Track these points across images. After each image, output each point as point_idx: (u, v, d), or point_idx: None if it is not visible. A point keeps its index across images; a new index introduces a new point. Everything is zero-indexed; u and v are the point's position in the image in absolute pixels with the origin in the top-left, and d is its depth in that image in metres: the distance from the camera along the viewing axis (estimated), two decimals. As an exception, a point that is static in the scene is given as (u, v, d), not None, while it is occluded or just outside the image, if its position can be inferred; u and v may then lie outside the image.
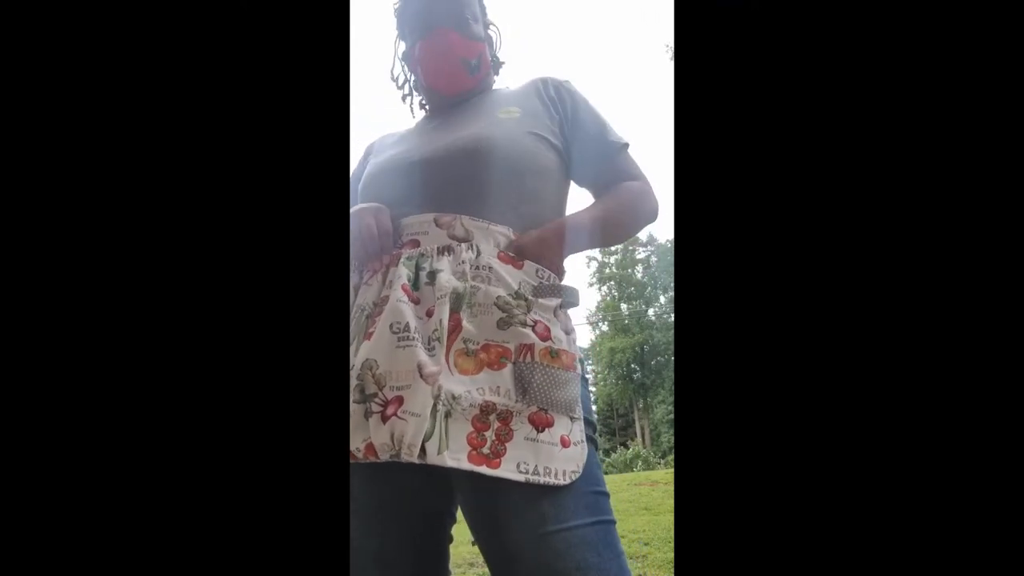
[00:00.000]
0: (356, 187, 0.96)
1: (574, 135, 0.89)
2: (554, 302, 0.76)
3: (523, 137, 0.83)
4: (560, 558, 0.63)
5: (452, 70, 0.91)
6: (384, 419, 0.65)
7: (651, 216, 0.90)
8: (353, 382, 0.68)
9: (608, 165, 0.89)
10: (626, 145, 0.91)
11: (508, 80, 1.01)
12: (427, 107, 1.00)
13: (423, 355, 0.67)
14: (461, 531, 0.84)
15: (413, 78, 0.98)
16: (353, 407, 0.67)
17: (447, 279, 0.72)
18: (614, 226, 0.86)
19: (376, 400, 0.67)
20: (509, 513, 0.66)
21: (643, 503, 5.57)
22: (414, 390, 0.66)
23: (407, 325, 0.68)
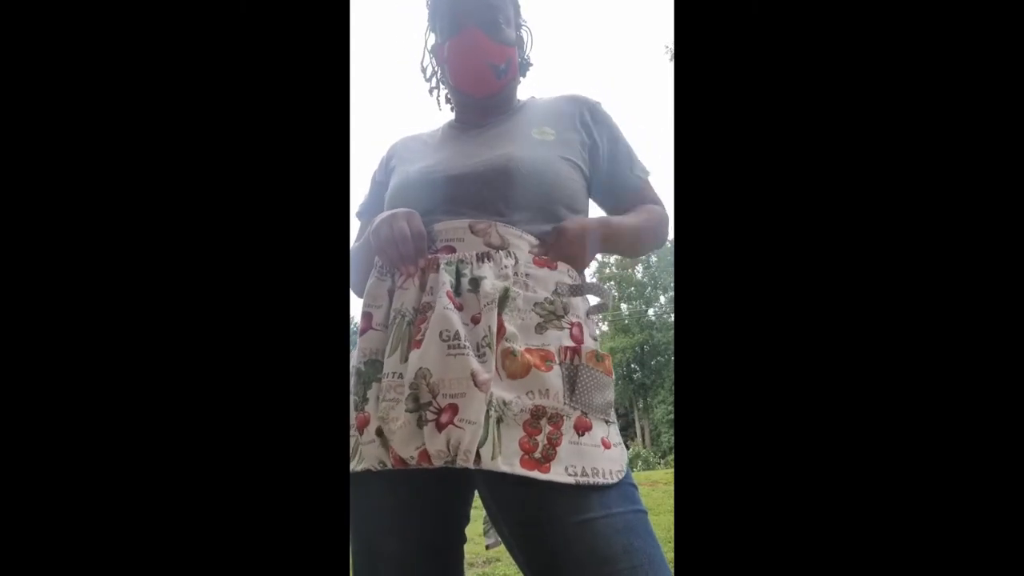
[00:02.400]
0: (378, 191, 0.95)
1: (607, 163, 0.92)
2: (586, 304, 0.80)
3: (556, 161, 0.85)
4: (607, 543, 0.65)
5: (479, 74, 0.91)
6: (439, 427, 0.66)
7: (662, 240, 0.95)
8: (406, 391, 0.68)
9: (634, 195, 0.94)
10: (649, 175, 0.96)
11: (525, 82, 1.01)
12: (453, 105, 1.00)
13: (475, 363, 0.68)
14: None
15: (440, 72, 0.98)
16: (406, 416, 0.67)
17: (492, 285, 0.72)
18: (636, 235, 0.89)
19: (430, 408, 0.67)
20: (551, 504, 0.67)
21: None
22: (469, 398, 0.66)
23: (457, 333, 0.69)
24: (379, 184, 0.96)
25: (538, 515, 0.67)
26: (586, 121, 0.92)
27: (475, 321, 0.71)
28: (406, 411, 0.67)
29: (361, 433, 0.72)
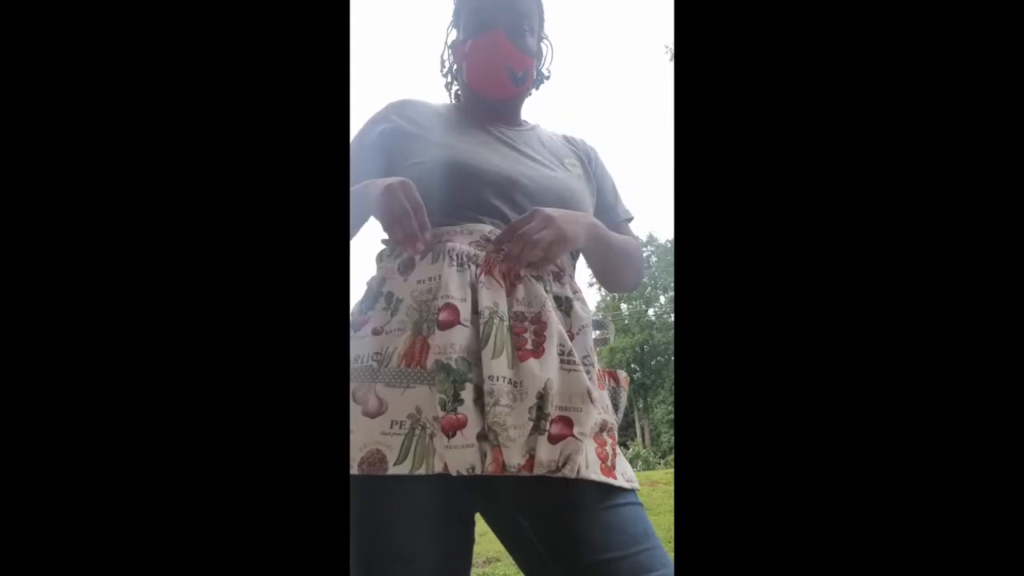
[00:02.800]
0: (380, 142, 0.89)
1: (602, 203, 0.97)
2: (595, 334, 0.87)
3: (587, 196, 0.92)
4: (633, 526, 0.71)
5: (496, 77, 0.91)
6: (552, 439, 0.68)
7: (639, 275, 0.98)
8: (531, 400, 0.69)
9: (618, 231, 0.96)
10: (632, 219, 1.01)
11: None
12: (462, 102, 0.99)
13: (587, 380, 0.72)
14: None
15: (456, 69, 0.98)
16: (528, 423, 0.68)
17: (583, 308, 0.78)
18: (624, 251, 0.92)
19: (549, 419, 0.69)
20: (583, 495, 0.70)
21: (643, 503, 5.57)
22: (585, 413, 0.70)
23: (571, 350, 0.73)
24: (383, 134, 0.90)
25: (565, 506, 0.70)
26: (591, 159, 0.99)
27: (568, 338, 0.75)
28: (529, 419, 0.68)
29: (451, 435, 0.67)
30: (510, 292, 0.75)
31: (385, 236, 0.84)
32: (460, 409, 0.68)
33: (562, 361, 0.71)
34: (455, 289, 0.73)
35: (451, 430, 0.67)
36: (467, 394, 0.68)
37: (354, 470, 0.69)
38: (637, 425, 25.53)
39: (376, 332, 0.75)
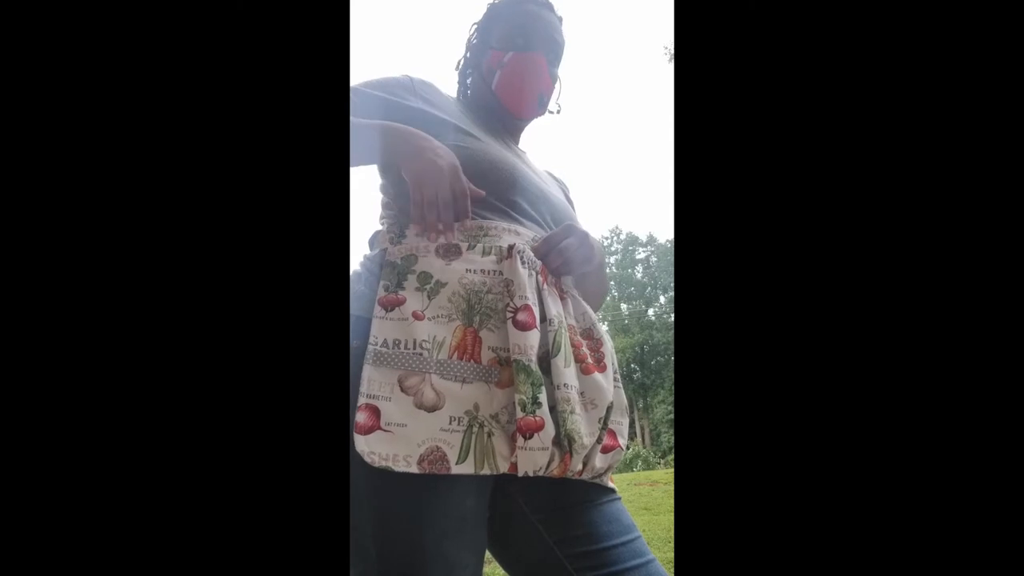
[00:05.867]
0: (406, 112, 0.83)
1: None
2: None
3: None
4: (624, 515, 0.79)
5: (528, 97, 0.93)
6: (605, 448, 0.74)
7: (605, 294, 1.00)
8: (601, 411, 0.72)
9: None
10: None
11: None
12: (475, 100, 0.97)
13: (623, 395, 0.79)
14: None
15: (475, 71, 0.96)
16: (595, 434, 0.72)
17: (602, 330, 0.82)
18: (604, 280, 0.96)
19: (606, 431, 0.74)
20: (580, 495, 0.77)
21: (643, 503, 5.58)
22: (624, 426, 0.78)
23: (616, 367, 0.79)
24: (412, 109, 0.84)
25: (575, 501, 0.76)
26: (566, 194, 1.01)
27: None
28: (597, 430, 0.72)
29: (527, 436, 0.66)
30: (563, 304, 0.76)
31: (384, 218, 0.82)
32: (538, 412, 0.67)
33: (613, 377, 0.77)
34: (529, 290, 0.71)
35: (528, 432, 0.66)
36: (544, 398, 0.67)
37: (410, 467, 0.64)
38: (637, 425, 25.54)
39: (418, 317, 0.70)
